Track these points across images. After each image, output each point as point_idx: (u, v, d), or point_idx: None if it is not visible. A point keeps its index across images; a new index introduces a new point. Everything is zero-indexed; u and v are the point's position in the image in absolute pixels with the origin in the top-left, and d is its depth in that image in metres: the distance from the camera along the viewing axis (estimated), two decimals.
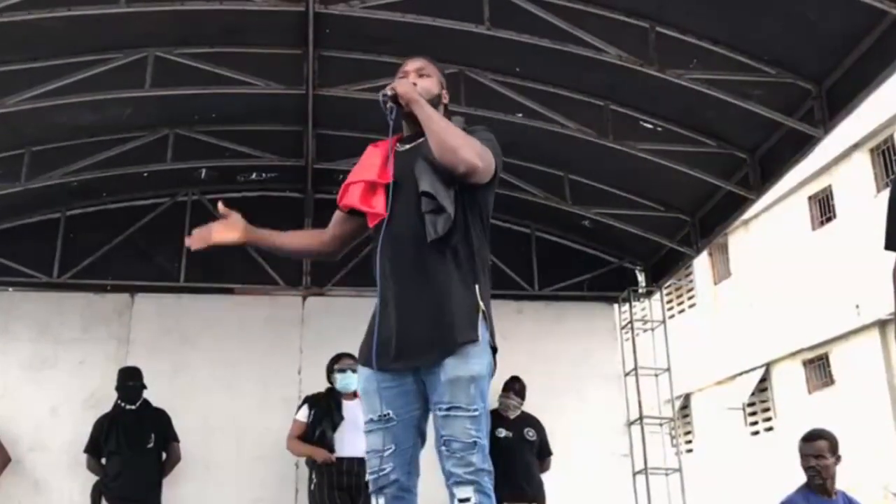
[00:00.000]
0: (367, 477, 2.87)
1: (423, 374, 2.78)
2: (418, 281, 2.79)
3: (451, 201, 2.80)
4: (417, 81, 3.01)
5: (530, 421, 7.10)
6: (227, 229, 3.16)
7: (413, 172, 2.85)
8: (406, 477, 2.83)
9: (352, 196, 2.98)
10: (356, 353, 3.08)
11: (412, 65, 3.11)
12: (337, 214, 3.13)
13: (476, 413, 2.72)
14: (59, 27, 5.45)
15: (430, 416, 2.87)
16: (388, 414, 2.80)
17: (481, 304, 2.82)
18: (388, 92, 2.90)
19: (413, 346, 2.76)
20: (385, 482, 2.80)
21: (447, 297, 2.78)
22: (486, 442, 2.76)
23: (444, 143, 2.79)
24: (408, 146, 2.98)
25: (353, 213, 3.04)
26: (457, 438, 2.70)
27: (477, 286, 2.85)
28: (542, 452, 7.10)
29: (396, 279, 2.81)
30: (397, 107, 2.91)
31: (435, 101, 3.02)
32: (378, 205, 2.90)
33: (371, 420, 2.83)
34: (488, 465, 2.75)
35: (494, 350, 2.85)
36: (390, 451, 2.79)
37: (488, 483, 2.75)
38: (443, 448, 2.73)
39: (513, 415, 7.07)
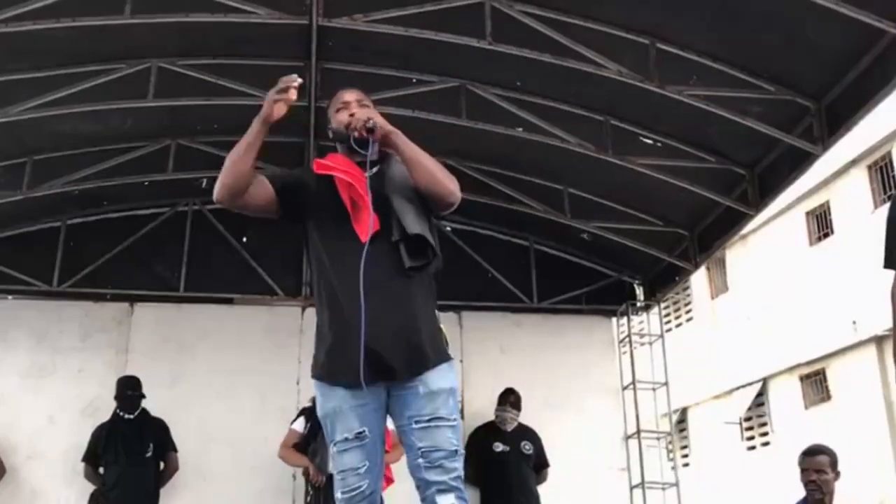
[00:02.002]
0: (340, 496, 2.88)
1: (395, 391, 2.87)
2: (392, 301, 2.85)
3: (432, 234, 2.94)
4: (362, 111, 3.05)
5: (527, 434, 7.10)
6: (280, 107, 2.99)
7: (386, 200, 2.92)
8: (375, 493, 2.90)
9: (354, 181, 2.95)
10: None
11: (350, 95, 3.14)
12: (266, 185, 3.05)
13: (455, 423, 2.88)
14: (64, 37, 5.48)
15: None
16: (364, 431, 2.86)
17: (441, 326, 3.01)
18: (370, 124, 2.94)
19: (396, 361, 2.82)
20: (360, 499, 2.86)
21: (418, 318, 2.90)
22: (463, 450, 2.90)
23: (432, 174, 2.93)
24: (369, 172, 3.00)
25: (280, 202, 3.04)
26: (440, 447, 2.81)
27: (434, 310, 3.02)
28: (539, 464, 7.10)
29: (371, 297, 2.81)
30: (372, 137, 2.95)
31: None
32: (369, 217, 2.90)
33: (346, 439, 2.86)
34: (462, 473, 2.87)
35: None
36: (366, 467, 2.86)
37: (464, 489, 2.85)
38: (420, 460, 2.81)
39: (510, 427, 7.07)
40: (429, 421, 2.82)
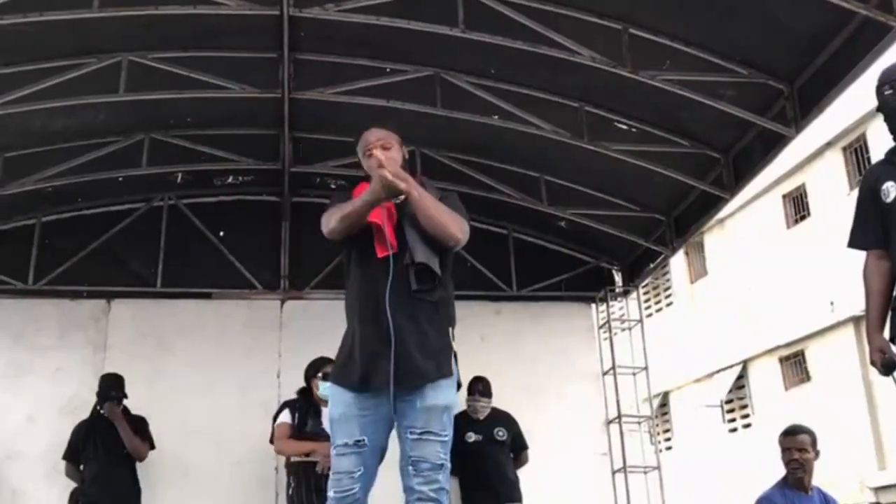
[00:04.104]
0: (332, 495, 3.12)
1: (398, 400, 3.12)
2: (407, 319, 3.15)
3: (438, 264, 3.23)
4: (386, 154, 3.33)
5: (501, 419, 7.09)
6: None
7: (405, 229, 3.24)
8: (365, 495, 3.17)
9: (378, 216, 3.27)
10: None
11: (374, 137, 3.46)
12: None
13: (446, 439, 3.16)
14: (32, 32, 5.41)
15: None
16: (363, 440, 3.13)
17: (454, 345, 3.30)
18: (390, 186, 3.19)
19: (404, 373, 3.09)
20: (351, 500, 3.12)
21: (428, 336, 3.19)
22: (450, 464, 3.18)
23: (435, 223, 3.23)
24: (397, 201, 3.29)
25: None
26: (427, 460, 3.10)
27: (451, 329, 3.32)
28: (517, 447, 7.10)
29: (391, 313, 3.12)
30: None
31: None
32: (393, 239, 3.25)
33: (346, 444, 3.13)
34: (448, 485, 3.16)
35: (459, 386, 3.31)
36: (360, 472, 3.12)
37: (446, 500, 3.14)
38: (410, 468, 3.11)
39: (482, 415, 7.07)
40: (421, 434, 3.10)
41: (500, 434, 6.96)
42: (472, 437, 6.91)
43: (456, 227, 3.26)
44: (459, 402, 3.39)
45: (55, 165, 6.93)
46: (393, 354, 3.07)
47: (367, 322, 3.18)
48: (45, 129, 6.55)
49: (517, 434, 7.06)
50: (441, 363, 3.19)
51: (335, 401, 3.21)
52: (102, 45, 5.82)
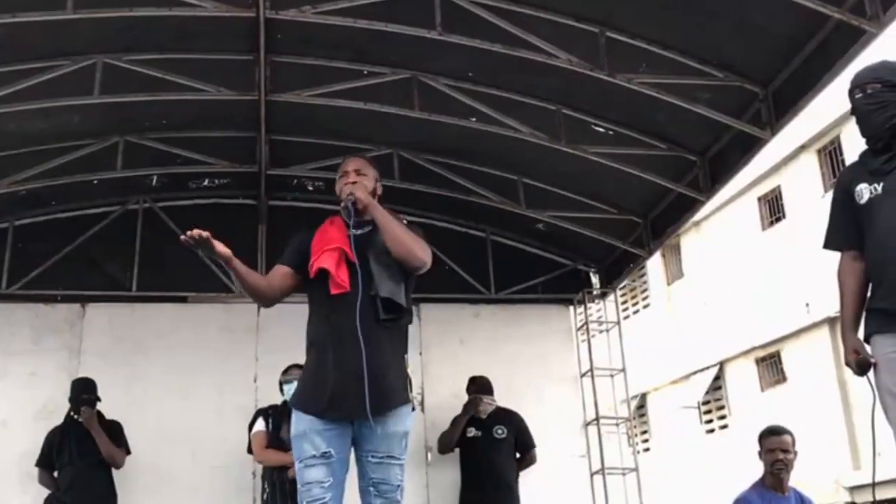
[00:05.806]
0: None
1: (359, 425, 3.32)
2: (374, 348, 3.29)
3: (404, 295, 3.42)
4: (358, 180, 3.56)
5: (504, 418, 7.11)
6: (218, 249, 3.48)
7: (367, 260, 3.39)
8: None
9: (327, 261, 3.42)
10: None
11: (351, 165, 3.66)
12: (282, 270, 3.59)
13: (403, 462, 3.39)
14: (4, 34, 5.35)
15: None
16: (330, 451, 3.29)
17: (408, 372, 3.51)
18: (352, 198, 3.46)
19: (372, 401, 3.25)
20: None
21: (387, 365, 3.36)
22: (404, 484, 3.39)
23: (401, 244, 3.40)
24: (358, 232, 3.49)
25: (298, 272, 3.54)
26: (387, 482, 3.32)
27: (405, 357, 3.50)
28: (521, 447, 7.12)
29: (350, 343, 3.27)
30: (355, 209, 3.47)
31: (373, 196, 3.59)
32: (344, 277, 3.40)
33: (313, 456, 3.28)
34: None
35: (413, 408, 3.54)
36: (330, 482, 3.27)
37: None
38: (371, 488, 3.32)
39: (484, 414, 7.10)
40: (382, 458, 3.32)
41: (500, 432, 7.02)
42: (472, 431, 7.04)
43: (421, 249, 3.44)
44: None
45: (29, 168, 6.85)
46: (367, 383, 3.22)
47: (334, 351, 3.33)
48: (18, 132, 6.48)
49: (521, 432, 7.11)
50: (401, 390, 3.39)
51: (298, 419, 3.36)
52: (77, 46, 5.75)
